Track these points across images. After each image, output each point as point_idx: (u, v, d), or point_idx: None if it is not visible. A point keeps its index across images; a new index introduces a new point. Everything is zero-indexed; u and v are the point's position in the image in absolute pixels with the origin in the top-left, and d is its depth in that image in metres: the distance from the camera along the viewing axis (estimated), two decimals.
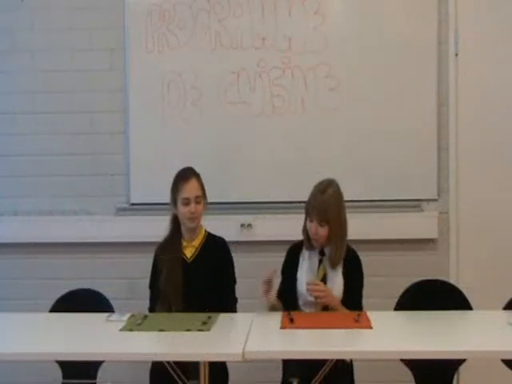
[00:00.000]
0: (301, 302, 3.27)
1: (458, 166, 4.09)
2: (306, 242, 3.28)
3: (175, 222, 3.43)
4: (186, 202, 3.33)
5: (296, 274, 3.29)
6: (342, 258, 3.23)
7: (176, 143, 4.12)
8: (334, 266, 3.22)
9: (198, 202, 3.35)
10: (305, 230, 3.27)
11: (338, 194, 3.23)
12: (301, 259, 3.31)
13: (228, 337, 2.91)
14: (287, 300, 3.28)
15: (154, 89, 4.12)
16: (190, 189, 3.35)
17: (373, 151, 4.05)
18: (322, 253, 3.28)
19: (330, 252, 3.24)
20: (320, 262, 3.27)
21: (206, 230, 3.46)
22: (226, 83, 4.09)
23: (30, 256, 4.19)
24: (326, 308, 3.22)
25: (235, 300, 3.41)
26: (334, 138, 4.07)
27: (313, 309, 3.23)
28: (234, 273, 3.43)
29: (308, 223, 3.23)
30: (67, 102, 4.19)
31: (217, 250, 3.41)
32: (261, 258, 4.01)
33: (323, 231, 3.19)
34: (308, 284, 3.18)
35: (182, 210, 3.35)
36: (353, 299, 3.23)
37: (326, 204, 3.17)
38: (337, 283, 3.23)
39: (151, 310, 3.38)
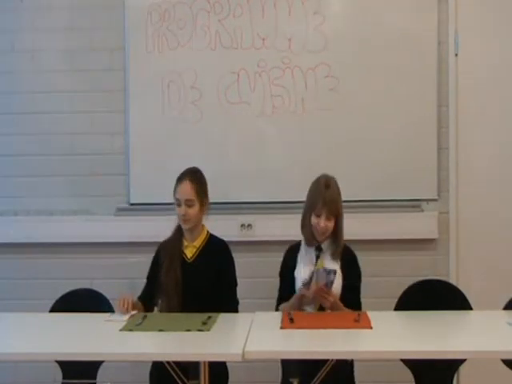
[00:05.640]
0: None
1: (458, 166, 4.08)
2: (309, 238, 3.27)
3: None
4: (178, 203, 3.35)
5: (294, 274, 3.29)
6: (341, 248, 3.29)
7: (176, 143, 4.12)
8: (335, 257, 3.24)
9: (189, 206, 3.33)
10: (307, 226, 3.26)
11: (338, 187, 3.28)
12: (299, 259, 3.31)
13: (228, 337, 2.91)
14: (286, 300, 3.28)
15: (154, 89, 4.12)
16: (181, 191, 3.34)
17: (373, 151, 4.05)
18: (318, 248, 3.29)
19: (331, 245, 3.27)
20: (317, 257, 3.27)
21: (208, 231, 3.46)
22: (226, 83, 4.09)
23: (30, 256, 4.19)
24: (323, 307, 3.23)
25: (237, 302, 3.41)
26: (334, 137, 4.06)
27: (311, 306, 3.24)
28: (235, 275, 3.42)
29: (314, 218, 3.22)
30: (67, 102, 4.19)
31: (217, 252, 3.41)
32: (261, 257, 4.01)
33: (331, 225, 3.22)
34: (304, 284, 3.14)
35: (177, 211, 3.37)
36: (352, 296, 3.24)
37: (335, 199, 3.23)
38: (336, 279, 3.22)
39: (140, 298, 3.39)
